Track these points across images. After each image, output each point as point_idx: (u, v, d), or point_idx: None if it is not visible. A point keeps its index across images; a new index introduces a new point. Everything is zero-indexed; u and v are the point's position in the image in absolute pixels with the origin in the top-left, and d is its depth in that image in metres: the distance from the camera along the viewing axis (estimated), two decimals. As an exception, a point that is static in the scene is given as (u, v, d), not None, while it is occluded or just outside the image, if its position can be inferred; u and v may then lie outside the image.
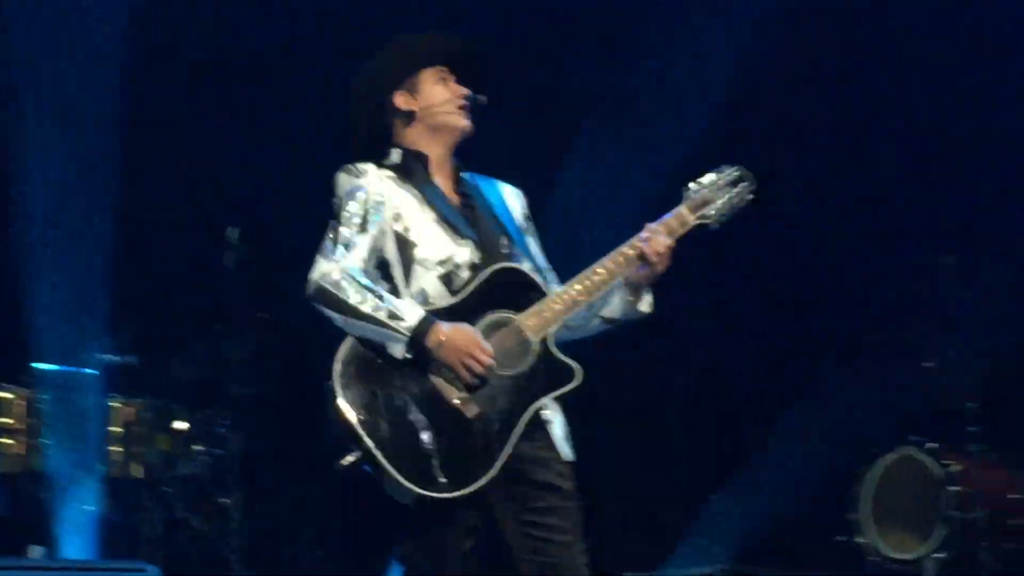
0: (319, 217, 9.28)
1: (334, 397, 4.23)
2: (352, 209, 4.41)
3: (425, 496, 4.21)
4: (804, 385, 9.27)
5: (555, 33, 9.11)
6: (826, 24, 9.23)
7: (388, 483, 4.23)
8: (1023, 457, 8.01)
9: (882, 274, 9.26)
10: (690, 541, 8.62)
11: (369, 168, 4.50)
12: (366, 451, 4.20)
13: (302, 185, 9.24)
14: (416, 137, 4.59)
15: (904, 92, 9.39)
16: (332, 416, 4.24)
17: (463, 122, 4.58)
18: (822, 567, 8.31)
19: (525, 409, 4.31)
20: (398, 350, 4.23)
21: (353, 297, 4.25)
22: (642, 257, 4.42)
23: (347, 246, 4.36)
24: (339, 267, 4.31)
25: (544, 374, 4.35)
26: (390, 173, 4.51)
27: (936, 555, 7.57)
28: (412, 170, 4.55)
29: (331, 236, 4.38)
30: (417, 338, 4.22)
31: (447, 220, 4.47)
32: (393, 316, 4.22)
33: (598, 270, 4.40)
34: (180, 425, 7.85)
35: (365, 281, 4.31)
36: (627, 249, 4.43)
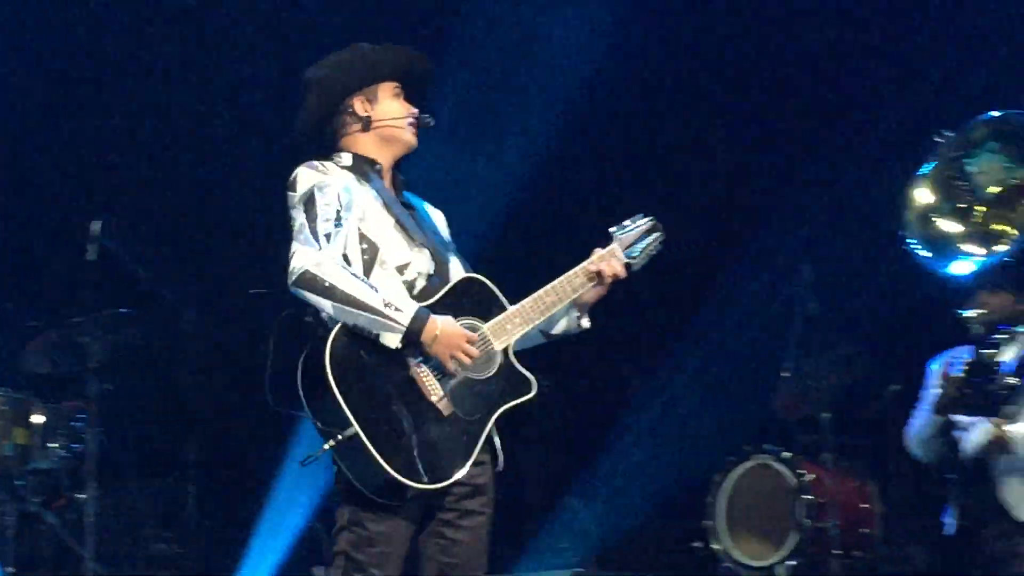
0: (183, 212, 9.21)
1: (326, 382, 4.28)
2: (326, 202, 4.46)
3: (408, 486, 4.29)
4: (662, 391, 9.36)
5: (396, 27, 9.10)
6: (682, 25, 9.36)
7: (368, 471, 4.28)
8: (875, 467, 8.16)
9: (741, 282, 9.38)
10: (544, 543, 8.65)
11: (331, 166, 4.59)
12: (352, 437, 4.26)
13: (166, 180, 9.21)
14: (366, 144, 4.69)
15: (749, 101, 9.53)
16: (321, 400, 4.30)
17: (413, 140, 4.72)
18: (677, 572, 8.39)
19: (491, 414, 4.47)
20: (392, 340, 4.33)
21: (346, 285, 4.32)
22: (598, 276, 4.63)
23: (328, 237, 4.42)
24: (326, 256, 4.38)
25: (506, 383, 4.51)
26: (349, 174, 4.59)
27: (788, 563, 7.68)
28: (367, 174, 4.64)
29: (308, 226, 4.42)
30: (414, 330, 4.33)
31: (404, 227, 4.58)
32: (389, 306, 4.32)
33: (551, 292, 4.60)
34: (37, 419, 7.72)
35: (354, 270, 4.40)
36: (580, 273, 4.64)
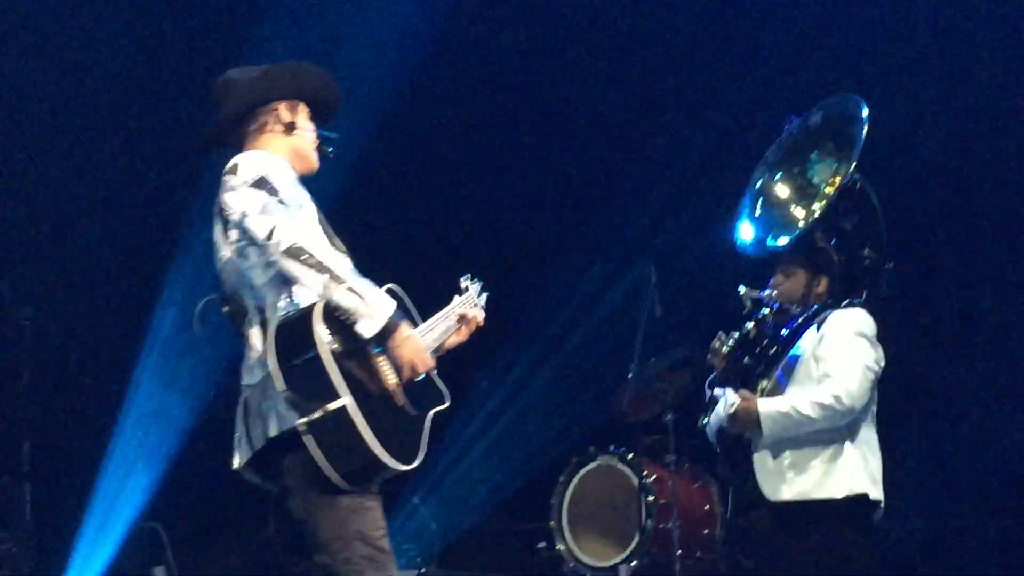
0: (19, 210, 8.93)
1: (315, 352, 4.26)
2: (284, 183, 4.49)
3: (388, 467, 4.32)
4: (507, 391, 9.36)
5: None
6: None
7: (346, 449, 4.27)
8: (716, 470, 8.23)
9: (584, 282, 9.42)
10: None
11: (277, 156, 4.61)
12: (337, 411, 4.26)
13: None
14: (285, 151, 4.69)
15: (584, 102, 9.59)
16: (302, 371, 4.27)
17: (317, 164, 4.78)
18: (522, 573, 8.40)
19: (426, 416, 4.54)
20: (369, 329, 4.34)
21: (335, 264, 4.34)
22: (464, 320, 4.88)
23: (294, 218, 4.44)
24: (306, 230, 4.42)
25: (430, 390, 4.61)
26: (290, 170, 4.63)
27: (631, 563, 7.71)
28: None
29: (273, 202, 4.41)
30: (390, 326, 4.36)
31: (327, 229, 4.63)
32: (373, 296, 4.36)
33: (443, 319, 4.81)
34: None
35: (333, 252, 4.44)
36: (455, 313, 4.86)
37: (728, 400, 5.76)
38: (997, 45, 9.15)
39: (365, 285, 4.39)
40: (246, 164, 4.51)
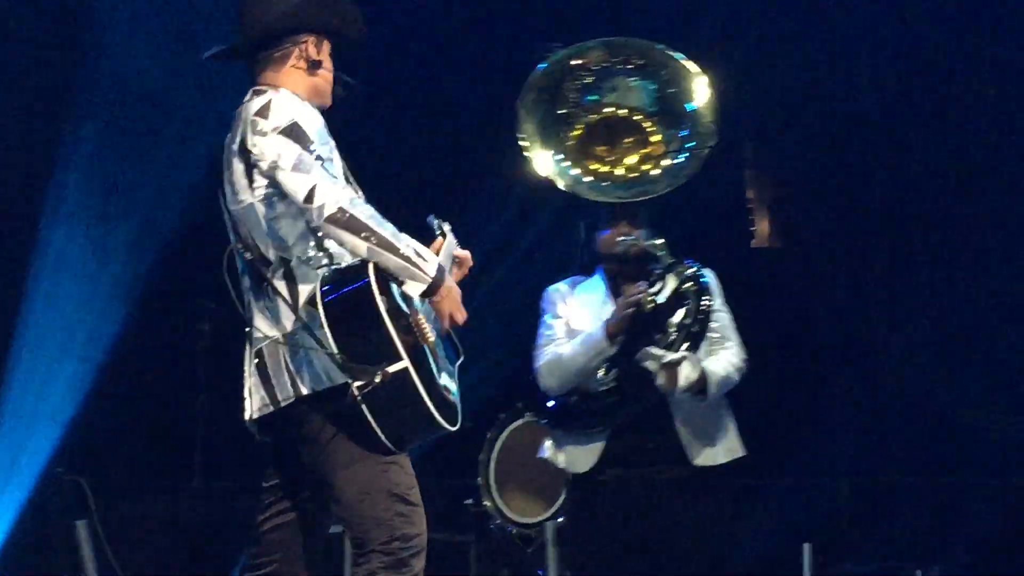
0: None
1: (374, 312, 4.17)
2: (319, 138, 4.37)
3: (443, 428, 4.33)
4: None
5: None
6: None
7: (403, 413, 4.21)
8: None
9: (513, 237, 9.40)
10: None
11: (306, 101, 4.47)
12: (398, 372, 4.16)
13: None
14: (301, 86, 4.53)
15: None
16: (359, 333, 4.18)
17: (330, 101, 4.61)
18: (448, 530, 8.38)
19: (454, 373, 4.58)
20: (417, 289, 4.27)
21: (380, 227, 4.24)
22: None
23: (329, 174, 4.31)
24: (348, 192, 4.30)
25: (448, 342, 4.61)
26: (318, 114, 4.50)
27: (557, 520, 7.71)
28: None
29: (308, 157, 4.28)
30: (437, 282, 4.29)
31: (349, 178, 4.54)
32: (419, 256, 4.28)
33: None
34: None
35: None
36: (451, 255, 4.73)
37: (667, 357, 5.72)
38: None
39: (408, 243, 4.30)
40: (278, 107, 4.38)
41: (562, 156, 5.95)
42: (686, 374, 5.71)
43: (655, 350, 5.72)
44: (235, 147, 4.42)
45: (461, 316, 4.41)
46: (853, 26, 9.45)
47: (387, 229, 4.27)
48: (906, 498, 9.22)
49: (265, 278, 4.39)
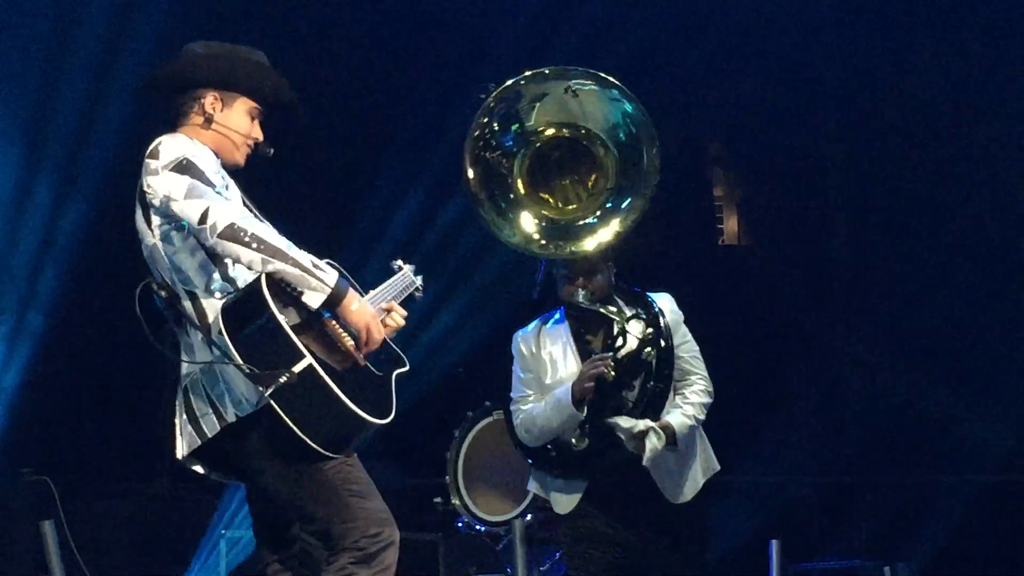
0: None
1: (269, 317, 4.23)
2: (209, 169, 4.43)
3: (366, 421, 4.29)
4: (404, 343, 9.33)
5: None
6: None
7: (320, 411, 4.23)
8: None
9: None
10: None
11: (197, 143, 4.54)
12: (303, 372, 4.20)
13: None
14: (202, 139, 4.59)
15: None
16: (259, 340, 4.24)
17: (241, 161, 4.68)
18: (417, 529, 8.38)
19: (390, 375, 4.53)
20: (315, 299, 4.30)
21: (272, 238, 4.30)
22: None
23: (223, 197, 4.40)
24: (240, 210, 4.37)
25: (387, 354, 4.57)
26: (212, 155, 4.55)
27: (525, 518, 7.71)
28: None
29: (200, 184, 4.35)
30: (337, 294, 4.31)
31: (254, 212, 4.56)
32: (315, 266, 4.33)
33: (383, 293, 4.74)
34: None
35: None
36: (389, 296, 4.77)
37: (636, 428, 5.80)
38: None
39: (306, 256, 4.35)
40: (167, 147, 4.46)
41: (512, 211, 5.95)
42: (652, 444, 5.80)
43: (622, 421, 5.82)
44: (136, 193, 4.54)
45: (377, 330, 4.43)
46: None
47: (281, 242, 4.35)
48: (873, 495, 9.27)
49: (180, 313, 4.49)
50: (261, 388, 4.22)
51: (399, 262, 5.00)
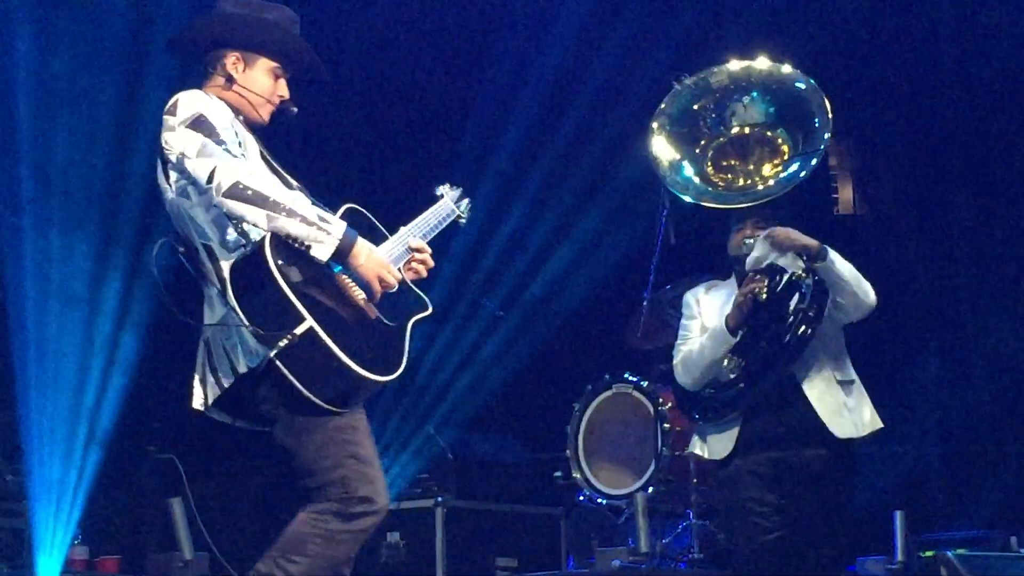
0: None
1: (271, 281, 4.29)
2: (222, 126, 4.51)
3: (367, 379, 4.36)
4: (522, 321, 9.36)
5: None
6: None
7: (322, 369, 4.31)
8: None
9: (597, 207, 9.38)
10: (409, 470, 8.62)
11: (214, 98, 4.63)
12: (305, 333, 4.27)
13: None
14: (228, 97, 4.70)
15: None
16: (263, 302, 4.31)
17: (264, 119, 4.77)
18: (538, 502, 8.41)
19: (407, 323, 4.62)
20: (324, 252, 4.39)
21: (278, 194, 4.37)
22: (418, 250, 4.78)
23: (234, 156, 4.46)
24: (246, 168, 4.42)
25: (408, 298, 4.66)
26: (228, 111, 4.64)
27: (647, 491, 7.71)
28: (238, 116, 4.69)
29: (212, 142, 4.43)
30: (345, 245, 4.40)
31: (273, 166, 4.65)
32: (322, 219, 4.40)
33: (418, 227, 4.83)
34: None
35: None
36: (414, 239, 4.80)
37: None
38: None
39: (312, 210, 4.42)
40: (184, 103, 4.54)
41: (694, 173, 6.10)
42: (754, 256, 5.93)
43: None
44: (157, 148, 4.61)
45: (389, 278, 4.51)
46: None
47: (286, 196, 4.40)
48: (999, 464, 9.15)
49: (199, 269, 4.58)
50: (266, 347, 4.30)
51: (442, 188, 5.06)
